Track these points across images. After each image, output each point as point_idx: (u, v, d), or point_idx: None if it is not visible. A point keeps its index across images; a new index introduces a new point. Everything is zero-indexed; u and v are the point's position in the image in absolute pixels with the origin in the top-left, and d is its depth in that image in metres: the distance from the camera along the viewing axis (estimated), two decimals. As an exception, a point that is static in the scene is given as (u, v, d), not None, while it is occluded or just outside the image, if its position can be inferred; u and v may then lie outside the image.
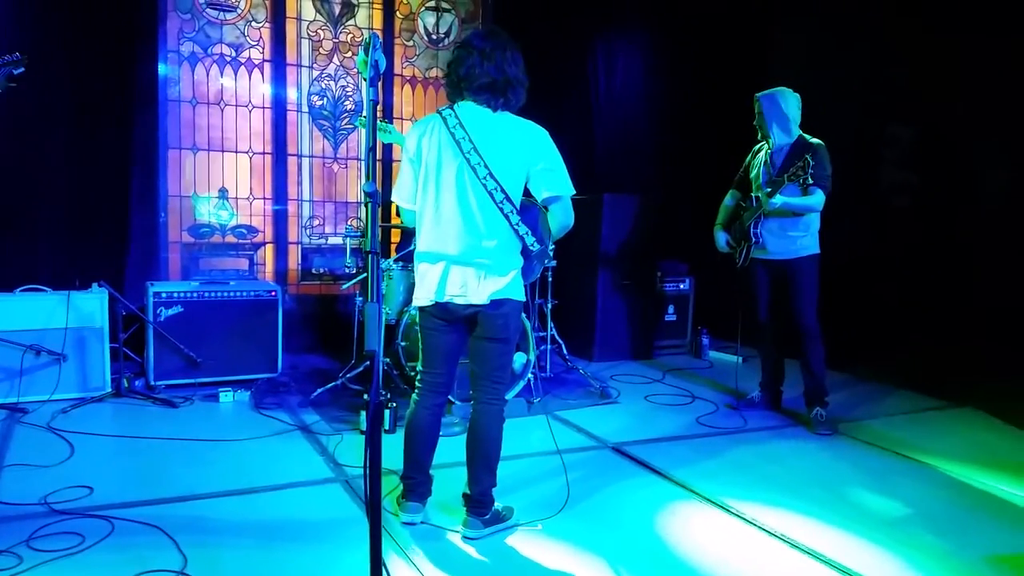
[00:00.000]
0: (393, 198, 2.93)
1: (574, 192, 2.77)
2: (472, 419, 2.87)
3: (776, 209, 4.16)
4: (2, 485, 3.12)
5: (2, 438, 3.67)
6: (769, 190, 4.12)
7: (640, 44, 6.71)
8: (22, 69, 2.37)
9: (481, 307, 2.72)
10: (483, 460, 2.83)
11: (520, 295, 2.79)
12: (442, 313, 2.80)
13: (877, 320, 5.41)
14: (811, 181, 3.98)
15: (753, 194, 4.35)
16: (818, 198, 4.14)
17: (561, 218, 2.76)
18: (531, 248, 2.76)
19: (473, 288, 2.71)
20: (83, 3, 4.60)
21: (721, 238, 4.59)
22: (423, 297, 2.81)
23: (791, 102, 4.26)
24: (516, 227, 2.70)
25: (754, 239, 4.31)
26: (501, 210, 2.67)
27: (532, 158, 2.71)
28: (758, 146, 4.50)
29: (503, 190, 2.66)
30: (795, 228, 4.27)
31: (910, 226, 5.28)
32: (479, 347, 2.82)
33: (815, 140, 4.24)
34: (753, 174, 4.43)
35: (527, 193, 2.81)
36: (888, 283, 5.36)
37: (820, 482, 3.54)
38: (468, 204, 2.69)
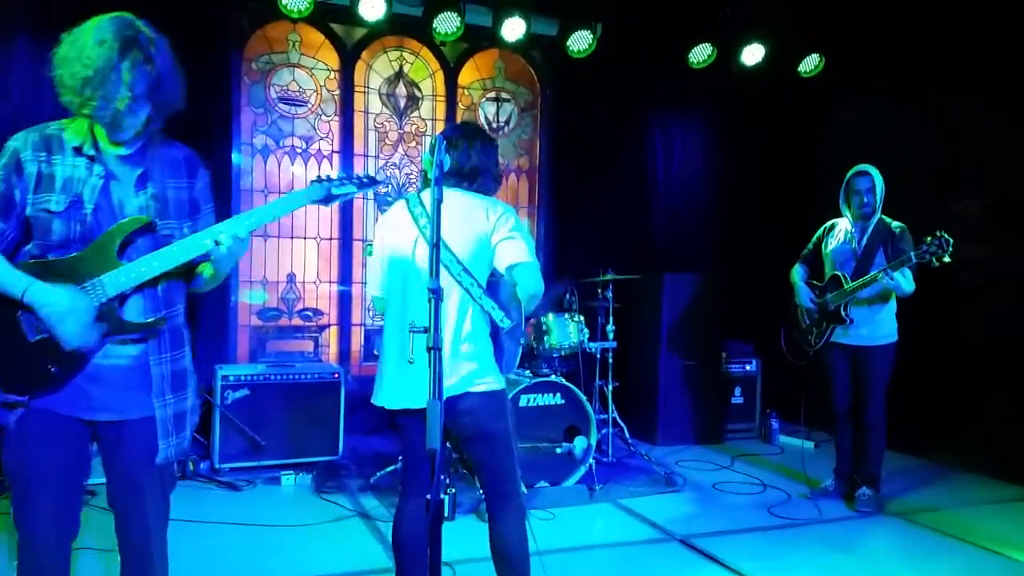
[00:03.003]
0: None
1: (537, 263, 2.56)
2: (490, 535, 2.59)
3: (876, 292, 4.07)
4: (74, 569, 3.15)
5: (72, 521, 3.74)
6: (887, 267, 3.96)
7: (699, 123, 6.77)
8: (357, 188, 2.13)
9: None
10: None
11: (492, 383, 2.51)
12: (404, 416, 2.55)
13: (951, 402, 5.15)
14: (913, 262, 3.87)
15: (837, 272, 4.25)
16: (912, 282, 4.03)
17: (530, 285, 2.50)
18: (500, 324, 2.51)
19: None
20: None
21: (806, 294, 4.42)
22: (377, 397, 2.60)
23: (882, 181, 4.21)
24: (479, 300, 2.48)
25: (848, 320, 4.18)
26: (460, 283, 2.47)
27: (493, 228, 2.53)
28: (831, 223, 4.44)
29: (460, 262, 2.48)
30: (883, 311, 4.16)
31: (985, 302, 5.07)
32: (467, 451, 2.56)
33: (895, 221, 4.20)
34: (829, 249, 4.34)
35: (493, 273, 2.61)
36: (963, 362, 5.12)
37: (905, 581, 3.31)
38: (421, 279, 2.51)
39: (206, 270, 2.09)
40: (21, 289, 1.85)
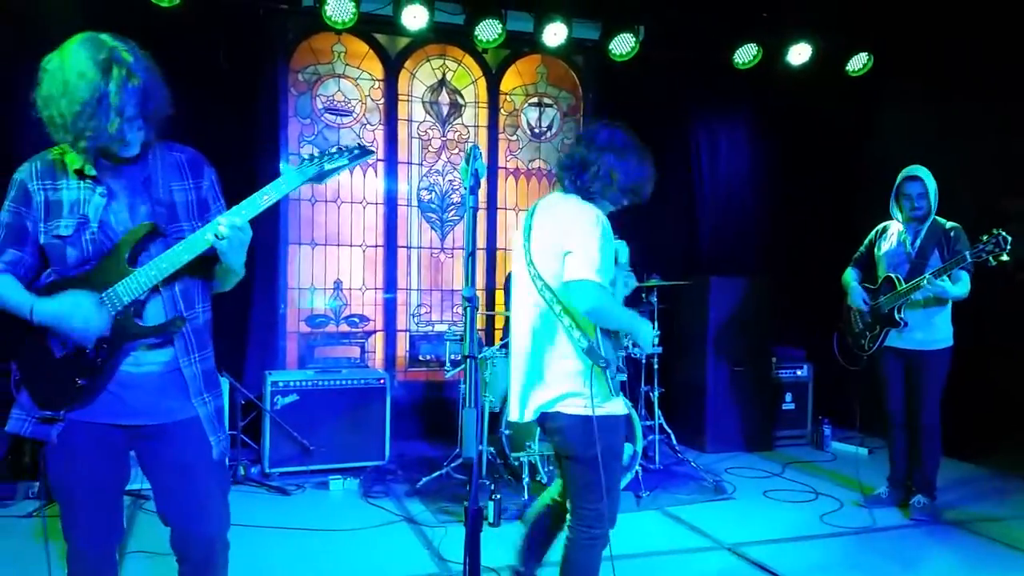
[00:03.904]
0: None
1: (592, 279, 2.33)
2: (563, 548, 2.56)
3: (929, 296, 3.98)
4: (124, 573, 3.25)
5: (126, 524, 3.85)
6: (935, 270, 3.88)
7: (744, 124, 6.67)
8: (349, 160, 2.03)
9: (535, 421, 2.51)
10: None
11: (581, 405, 2.41)
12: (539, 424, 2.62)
13: (1011, 407, 4.96)
14: (968, 262, 3.78)
15: (890, 273, 4.14)
16: (967, 284, 3.94)
17: (576, 303, 2.35)
18: (578, 344, 2.40)
19: (528, 399, 2.52)
20: (213, 110, 5.01)
21: (859, 294, 4.30)
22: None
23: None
24: (559, 317, 2.41)
25: (902, 323, 4.07)
26: (543, 298, 2.45)
27: (564, 241, 2.41)
28: (883, 225, 4.34)
29: (540, 276, 2.46)
30: (939, 315, 4.06)
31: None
32: (560, 463, 2.58)
33: (948, 221, 4.10)
34: (883, 252, 4.25)
35: None
36: (1022, 366, 4.93)
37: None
38: (519, 292, 2.58)
39: (220, 266, 2.08)
40: (28, 309, 1.91)
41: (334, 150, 2.04)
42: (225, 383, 4.64)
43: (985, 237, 3.69)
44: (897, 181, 4.15)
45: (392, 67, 6.05)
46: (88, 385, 1.94)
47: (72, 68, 1.80)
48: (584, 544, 2.45)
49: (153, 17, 4.64)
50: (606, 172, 2.50)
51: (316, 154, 2.05)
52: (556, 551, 2.95)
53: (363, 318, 6.07)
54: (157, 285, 1.97)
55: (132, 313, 1.96)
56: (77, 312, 1.91)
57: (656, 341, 4.90)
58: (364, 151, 2.04)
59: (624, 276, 2.72)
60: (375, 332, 6.09)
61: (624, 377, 2.58)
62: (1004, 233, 3.64)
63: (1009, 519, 4.15)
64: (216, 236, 1.92)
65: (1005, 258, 3.65)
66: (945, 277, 3.86)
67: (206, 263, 2.04)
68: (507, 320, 5.29)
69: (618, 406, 2.46)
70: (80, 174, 1.96)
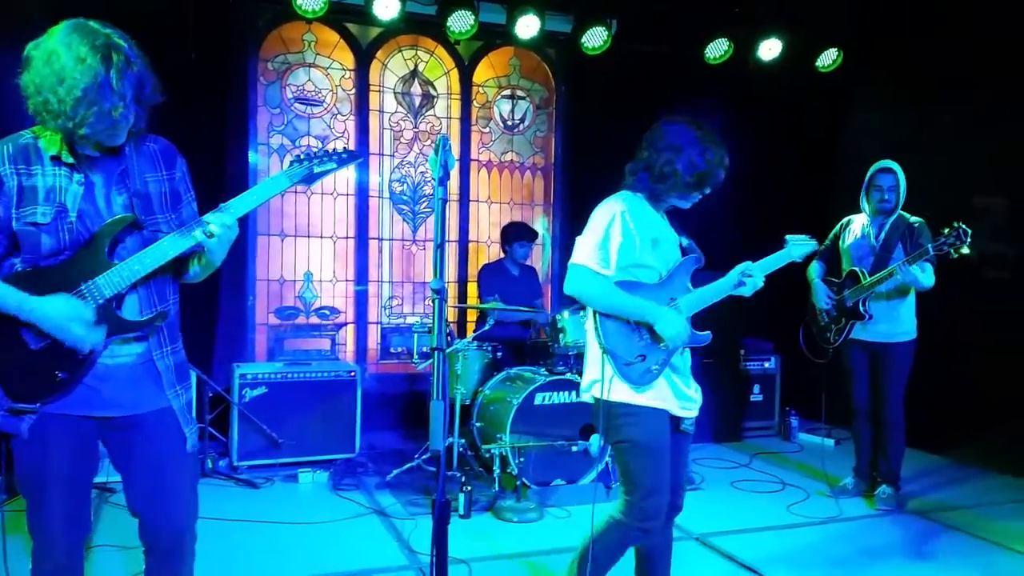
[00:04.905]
0: None
1: (583, 264, 2.45)
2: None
3: (894, 287, 4.04)
4: (91, 567, 3.20)
5: (93, 518, 3.78)
6: (903, 260, 3.92)
7: (715, 119, 6.68)
8: (338, 164, 2.06)
9: None
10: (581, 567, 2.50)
11: (597, 391, 2.47)
12: None
13: (975, 399, 5.07)
14: (931, 254, 3.83)
15: (855, 267, 4.21)
16: (932, 276, 4.01)
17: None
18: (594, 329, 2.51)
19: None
20: (181, 99, 4.92)
21: (823, 292, 4.35)
22: None
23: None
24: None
25: (867, 316, 4.13)
26: None
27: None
28: (847, 219, 4.41)
29: None
30: (902, 307, 4.13)
31: (1009, 298, 4.99)
32: None
33: (913, 216, 4.16)
34: (847, 245, 4.32)
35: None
36: (987, 360, 5.04)
37: (925, 581, 3.28)
38: None
39: (197, 262, 2.08)
40: (16, 306, 1.85)
41: (322, 153, 2.06)
42: (193, 375, 4.59)
43: (947, 230, 3.76)
44: (870, 172, 4.21)
45: (363, 57, 5.99)
46: (68, 378, 1.91)
47: (69, 54, 1.76)
48: (610, 527, 2.45)
49: (120, 2, 4.54)
50: (670, 171, 2.51)
51: (304, 156, 2.07)
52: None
53: (334, 310, 6.03)
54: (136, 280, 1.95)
55: (113, 307, 1.94)
56: (78, 322, 1.87)
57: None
58: (352, 155, 2.08)
59: (737, 276, 2.83)
60: (346, 324, 6.06)
61: (660, 368, 2.55)
62: (964, 226, 3.70)
63: (970, 508, 4.25)
64: (206, 235, 1.92)
65: (966, 251, 3.71)
66: (915, 267, 3.92)
67: (181, 257, 2.02)
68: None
69: (641, 396, 2.46)
70: (55, 160, 1.90)
